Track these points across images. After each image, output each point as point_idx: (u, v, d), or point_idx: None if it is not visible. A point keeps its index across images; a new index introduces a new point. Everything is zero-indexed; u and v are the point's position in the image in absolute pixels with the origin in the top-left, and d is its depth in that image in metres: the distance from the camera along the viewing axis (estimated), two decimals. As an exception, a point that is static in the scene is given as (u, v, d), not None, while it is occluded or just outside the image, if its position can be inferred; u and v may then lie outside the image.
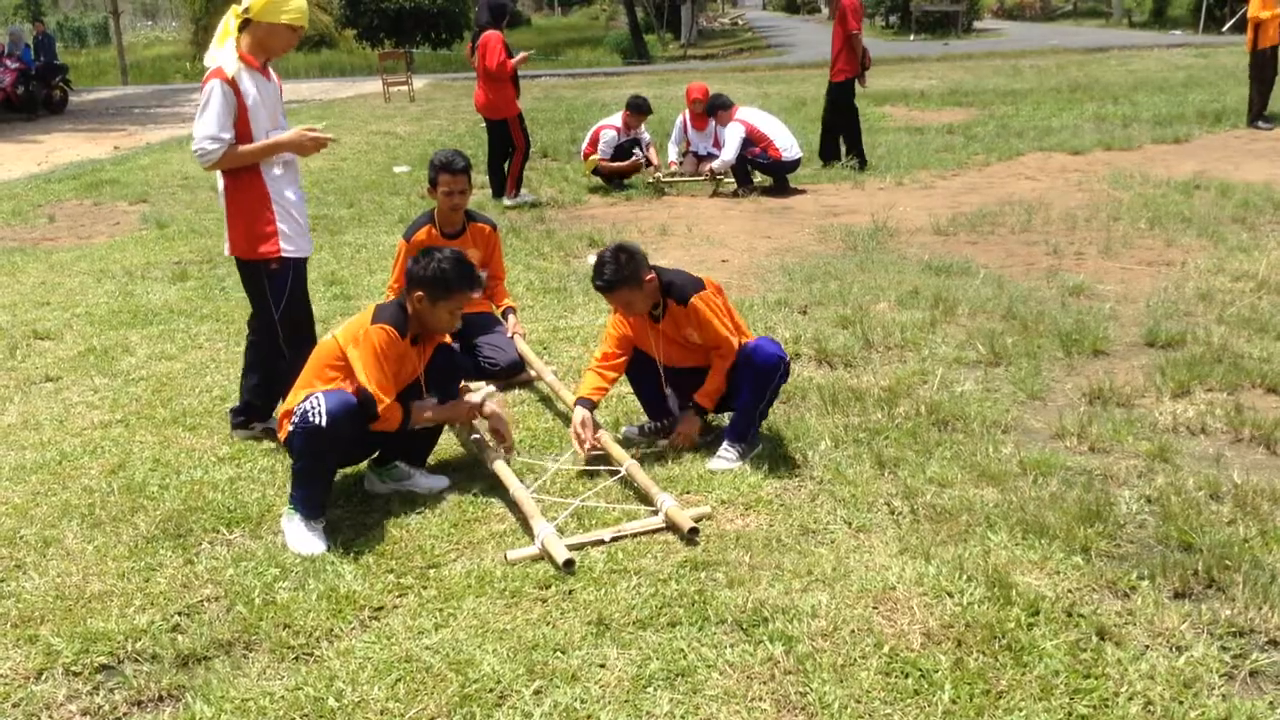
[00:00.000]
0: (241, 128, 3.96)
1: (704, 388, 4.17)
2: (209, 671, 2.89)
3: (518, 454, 4.17)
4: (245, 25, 3.97)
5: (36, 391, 5.24)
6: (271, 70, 4.15)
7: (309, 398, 3.56)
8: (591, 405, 4.10)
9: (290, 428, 3.58)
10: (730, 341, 4.05)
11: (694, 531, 3.44)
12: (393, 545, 3.55)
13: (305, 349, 4.05)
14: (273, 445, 4.39)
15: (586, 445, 4.02)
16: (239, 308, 6.54)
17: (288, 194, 4.10)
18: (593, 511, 3.72)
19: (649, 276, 4.00)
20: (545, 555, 3.37)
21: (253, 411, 4.46)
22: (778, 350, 4.02)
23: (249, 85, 3.96)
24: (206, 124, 3.90)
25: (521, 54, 9.69)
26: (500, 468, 3.85)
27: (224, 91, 3.90)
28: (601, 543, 3.47)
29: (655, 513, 3.59)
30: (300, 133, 4.03)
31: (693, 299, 4.00)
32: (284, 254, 4.10)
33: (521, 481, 3.79)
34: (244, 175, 4.04)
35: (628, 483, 3.89)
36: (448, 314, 3.79)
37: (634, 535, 3.51)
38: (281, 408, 3.77)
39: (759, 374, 3.98)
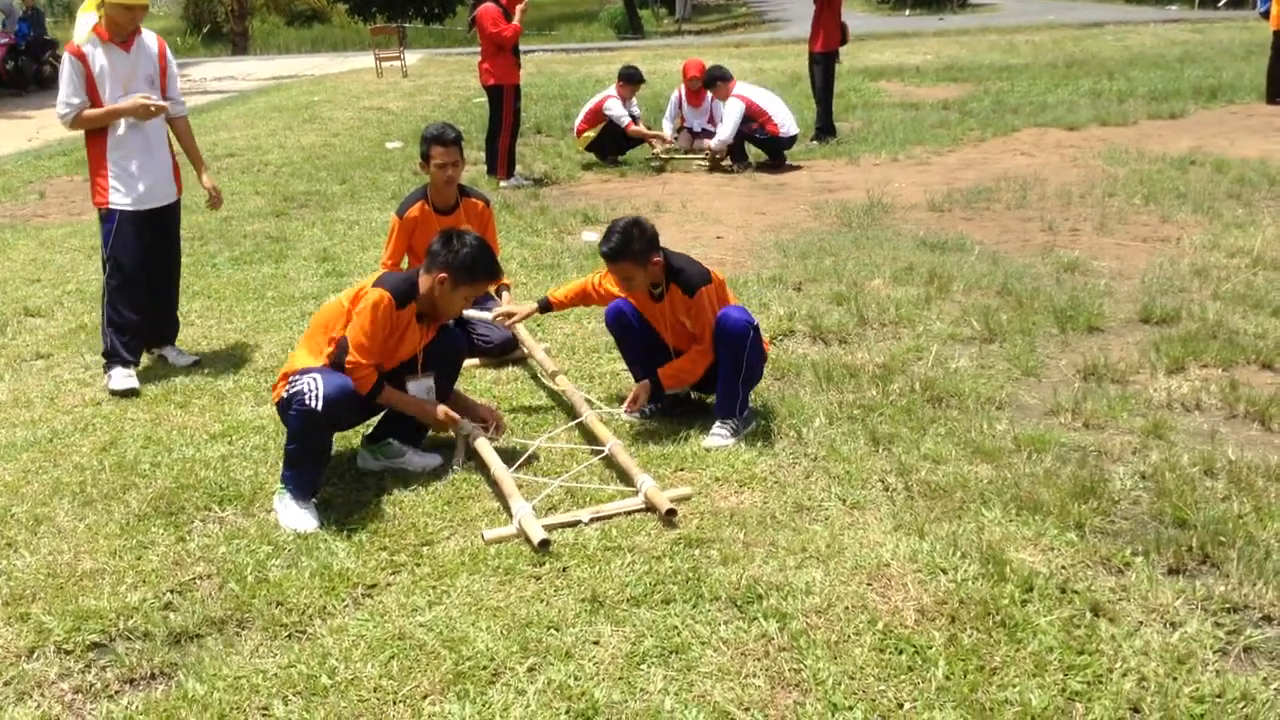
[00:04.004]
0: (91, 93, 4.62)
1: (672, 365, 4.20)
2: (201, 649, 2.89)
3: (510, 432, 4.16)
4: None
5: (27, 369, 5.22)
6: (146, 43, 4.74)
7: (308, 376, 3.53)
8: (547, 307, 4.59)
9: (285, 395, 3.57)
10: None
11: (671, 513, 3.43)
12: (386, 523, 3.54)
13: (131, 294, 4.82)
14: (264, 423, 4.37)
15: (505, 320, 4.63)
16: (229, 284, 6.51)
17: (128, 153, 4.73)
18: (575, 492, 3.71)
19: (655, 259, 4.01)
20: (522, 535, 3.37)
21: (116, 354, 4.86)
22: (744, 316, 4.02)
23: (98, 57, 4.60)
24: (60, 92, 4.63)
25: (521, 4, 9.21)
26: (482, 445, 3.83)
27: (72, 63, 4.58)
28: (579, 523, 3.46)
29: (635, 493, 3.59)
30: (137, 100, 4.63)
31: (700, 290, 4.01)
32: (112, 205, 4.76)
33: (505, 460, 3.77)
34: (94, 135, 4.73)
35: (611, 463, 3.88)
36: (463, 300, 3.81)
37: (611, 516, 3.50)
38: (283, 368, 3.74)
39: (729, 343, 3.98)
